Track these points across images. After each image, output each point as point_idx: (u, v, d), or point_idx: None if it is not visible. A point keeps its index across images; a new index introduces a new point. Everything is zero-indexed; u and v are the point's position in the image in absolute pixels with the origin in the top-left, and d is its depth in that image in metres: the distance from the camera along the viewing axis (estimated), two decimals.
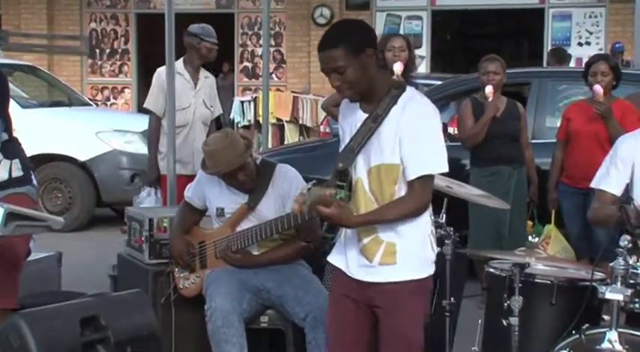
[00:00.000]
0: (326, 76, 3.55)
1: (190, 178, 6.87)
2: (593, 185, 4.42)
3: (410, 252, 3.59)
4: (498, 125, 6.69)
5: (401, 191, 3.54)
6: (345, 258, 3.69)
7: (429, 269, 3.67)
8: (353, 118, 3.63)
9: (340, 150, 3.66)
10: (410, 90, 3.62)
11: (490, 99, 6.67)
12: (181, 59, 7.01)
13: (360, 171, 3.58)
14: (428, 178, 3.53)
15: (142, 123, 8.01)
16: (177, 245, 5.01)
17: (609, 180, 4.33)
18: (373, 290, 3.62)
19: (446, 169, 3.55)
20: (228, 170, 4.71)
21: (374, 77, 3.53)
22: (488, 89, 6.67)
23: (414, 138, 3.49)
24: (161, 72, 6.79)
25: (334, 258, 3.76)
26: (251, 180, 4.78)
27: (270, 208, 4.77)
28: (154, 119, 6.89)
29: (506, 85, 7.05)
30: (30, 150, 7.22)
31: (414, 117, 3.50)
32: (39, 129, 7.22)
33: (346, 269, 3.68)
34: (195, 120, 6.97)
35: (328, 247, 3.90)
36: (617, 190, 4.29)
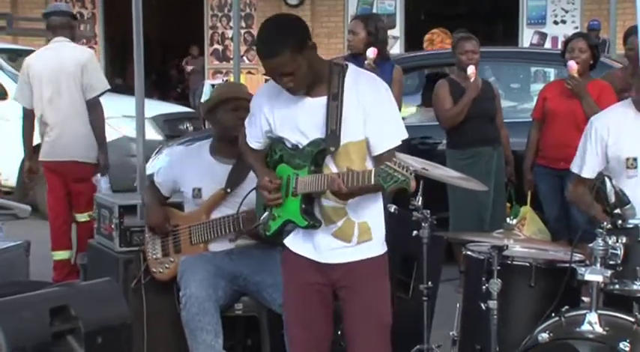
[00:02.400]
0: (274, 80, 3.60)
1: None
2: (573, 169, 4.45)
3: (379, 227, 3.74)
4: (476, 106, 6.70)
5: (369, 166, 3.62)
6: (312, 245, 3.72)
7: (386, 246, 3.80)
8: (295, 104, 3.65)
9: (250, 133, 3.80)
10: (351, 66, 3.72)
11: (472, 80, 6.66)
12: (65, 39, 6.97)
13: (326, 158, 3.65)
14: (395, 149, 3.63)
15: (152, 108, 8.00)
16: (155, 214, 4.94)
17: (587, 165, 4.37)
18: (343, 270, 3.69)
19: (406, 135, 3.66)
20: (227, 97, 4.85)
21: (316, 64, 3.61)
22: (471, 69, 6.67)
23: (378, 113, 3.60)
24: (91, 52, 6.90)
25: (297, 246, 3.77)
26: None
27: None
28: (99, 103, 6.87)
29: (431, 66, 7.10)
30: (36, 138, 7.19)
31: (371, 92, 3.63)
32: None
33: (314, 255, 3.72)
34: None
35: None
36: (593, 174, 4.33)
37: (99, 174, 6.76)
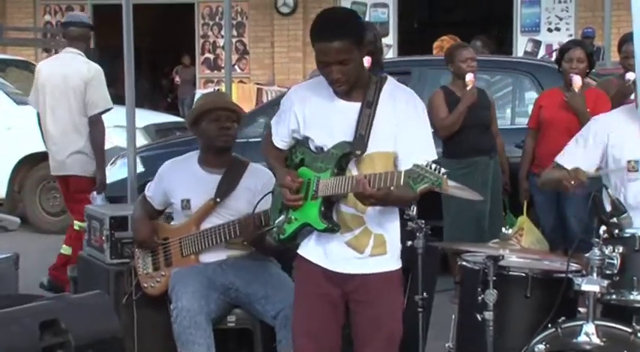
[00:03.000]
0: (322, 69, 3.56)
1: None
2: (556, 159, 4.43)
3: (395, 243, 3.74)
4: (472, 115, 6.70)
5: None
6: (324, 252, 3.72)
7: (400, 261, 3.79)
8: (328, 105, 3.65)
9: (277, 132, 3.78)
10: (388, 77, 3.74)
11: (469, 87, 6.66)
12: (80, 52, 7.00)
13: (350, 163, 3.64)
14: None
15: (143, 117, 7.97)
16: (142, 229, 4.95)
17: (569, 155, 4.35)
18: (356, 283, 3.69)
19: (435, 156, 3.64)
20: (209, 107, 4.83)
21: (362, 67, 3.64)
22: (470, 76, 6.67)
23: (410, 128, 3.61)
24: (98, 68, 6.86)
25: (310, 253, 3.77)
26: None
27: (238, 203, 4.75)
28: (101, 121, 6.86)
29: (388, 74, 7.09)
30: (25, 149, 7.20)
31: (407, 107, 3.64)
32: (35, 127, 7.19)
33: (325, 263, 3.72)
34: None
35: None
36: (570, 164, 4.27)
37: (94, 192, 6.76)
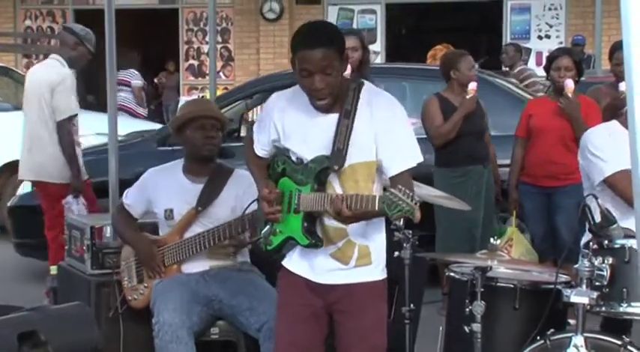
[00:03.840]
0: (304, 78, 3.55)
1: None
2: (607, 173, 4.46)
3: (380, 253, 3.74)
4: (467, 123, 6.70)
5: (377, 188, 3.62)
6: (308, 265, 3.72)
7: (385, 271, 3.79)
8: (307, 117, 3.65)
9: (259, 140, 3.78)
10: (366, 82, 3.73)
11: (471, 96, 6.67)
12: (60, 58, 6.99)
13: (330, 176, 3.63)
14: (409, 171, 3.62)
15: (125, 125, 7.97)
16: (145, 247, 4.89)
17: (606, 166, 4.39)
18: (339, 293, 3.69)
19: (421, 158, 3.65)
20: (193, 116, 4.83)
21: (342, 80, 3.63)
22: (473, 85, 6.67)
23: (391, 134, 3.60)
24: (68, 74, 6.84)
25: (294, 265, 3.77)
26: (216, 143, 4.89)
27: (221, 211, 4.76)
28: (68, 123, 6.84)
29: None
30: (5, 156, 7.19)
31: (386, 112, 3.62)
32: (15, 134, 7.21)
33: (310, 274, 3.72)
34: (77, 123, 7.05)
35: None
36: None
37: (70, 196, 6.74)
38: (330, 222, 3.63)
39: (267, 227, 3.74)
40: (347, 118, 3.59)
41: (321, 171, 3.59)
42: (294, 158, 3.70)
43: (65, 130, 6.81)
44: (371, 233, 3.69)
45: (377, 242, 3.72)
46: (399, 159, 3.58)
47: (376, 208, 3.33)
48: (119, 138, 6.93)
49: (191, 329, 4.55)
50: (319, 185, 3.60)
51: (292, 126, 3.68)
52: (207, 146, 4.84)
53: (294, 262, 3.76)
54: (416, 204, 3.24)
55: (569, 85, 6.45)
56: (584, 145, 4.68)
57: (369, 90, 3.67)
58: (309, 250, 3.68)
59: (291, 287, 3.78)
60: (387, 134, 3.59)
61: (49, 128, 6.81)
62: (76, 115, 6.95)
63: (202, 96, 14.33)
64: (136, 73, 15.00)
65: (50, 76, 6.88)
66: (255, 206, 3.94)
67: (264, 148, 3.81)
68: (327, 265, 3.68)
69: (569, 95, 6.44)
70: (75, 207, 6.66)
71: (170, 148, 7.58)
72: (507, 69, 12.02)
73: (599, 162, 4.52)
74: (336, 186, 3.61)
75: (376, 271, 3.72)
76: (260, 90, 8.67)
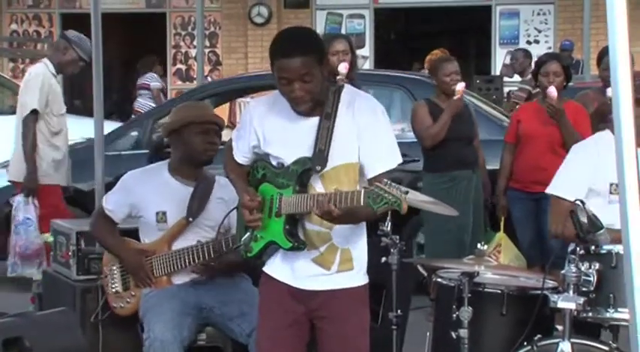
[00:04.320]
0: (283, 86, 3.55)
1: (58, 189, 6.87)
2: (550, 191, 4.47)
3: (362, 257, 3.73)
4: (455, 128, 6.71)
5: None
6: (290, 270, 3.71)
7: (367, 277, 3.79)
8: (287, 121, 3.66)
9: (238, 147, 3.78)
10: (346, 85, 3.75)
11: (457, 97, 6.68)
12: (47, 61, 7.01)
13: (312, 178, 3.63)
14: (388, 173, 3.62)
15: (112, 129, 8.02)
16: (132, 257, 4.83)
17: (566, 186, 4.38)
18: (321, 299, 3.68)
19: (401, 160, 3.67)
20: (190, 120, 4.79)
21: (323, 85, 3.62)
22: (460, 86, 6.67)
23: (372, 135, 3.61)
24: (44, 72, 6.84)
25: (276, 271, 3.76)
26: (215, 147, 4.85)
27: (212, 220, 4.72)
28: (33, 120, 6.81)
29: (266, 87, 7.30)
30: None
31: (367, 113, 3.63)
32: None
33: (291, 280, 3.71)
34: (66, 126, 7.05)
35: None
36: (573, 196, 4.33)
37: (19, 195, 6.73)
38: (312, 227, 3.64)
39: (248, 234, 3.74)
40: (328, 120, 3.60)
41: (303, 172, 3.59)
42: (274, 163, 3.70)
43: (27, 127, 6.78)
44: (353, 237, 3.69)
45: (359, 246, 3.72)
46: (380, 160, 3.60)
47: (362, 203, 3.32)
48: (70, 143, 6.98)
49: (182, 343, 4.52)
50: (301, 187, 3.60)
51: (273, 131, 3.68)
52: (208, 151, 4.82)
53: (276, 268, 3.75)
54: (404, 194, 3.22)
55: (553, 94, 6.46)
56: None
57: (349, 92, 3.68)
58: (291, 255, 3.67)
59: (272, 293, 3.77)
60: (368, 135, 3.60)
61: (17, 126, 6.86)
62: (62, 116, 6.94)
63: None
64: (155, 75, 15.05)
65: (26, 75, 7.01)
66: (234, 215, 3.96)
67: (245, 155, 3.81)
68: (308, 270, 3.67)
69: (554, 103, 6.45)
70: (22, 207, 6.64)
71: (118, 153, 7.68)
72: (517, 75, 12.02)
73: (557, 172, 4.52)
74: (318, 189, 3.61)
75: (358, 276, 3.71)
76: (213, 93, 8.68)
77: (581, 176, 4.33)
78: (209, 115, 4.96)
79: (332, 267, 3.67)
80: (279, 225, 3.63)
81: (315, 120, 3.62)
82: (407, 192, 3.26)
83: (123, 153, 7.83)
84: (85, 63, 6.92)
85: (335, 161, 3.60)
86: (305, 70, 3.49)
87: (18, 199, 6.67)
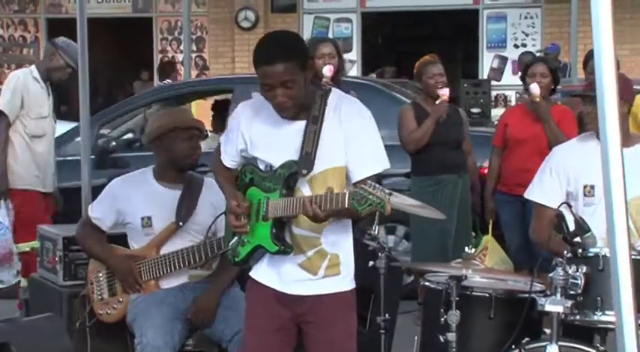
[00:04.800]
0: (266, 92, 3.56)
1: (47, 196, 6.84)
2: (529, 196, 4.50)
3: (349, 262, 3.73)
4: (441, 131, 6.74)
5: None
6: (277, 274, 3.71)
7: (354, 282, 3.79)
8: (274, 125, 3.66)
9: (226, 151, 3.79)
10: (333, 89, 3.75)
11: (439, 101, 6.70)
12: (33, 67, 7.02)
13: (300, 182, 3.63)
14: (375, 177, 3.63)
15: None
16: (121, 263, 4.83)
17: (546, 192, 4.43)
18: (308, 304, 3.68)
19: (388, 164, 3.67)
20: (173, 126, 4.80)
21: (308, 89, 3.63)
22: (444, 91, 6.70)
23: (359, 139, 3.62)
24: (21, 75, 6.84)
25: (262, 275, 3.76)
26: (198, 152, 4.87)
27: (201, 224, 4.73)
28: (4, 123, 6.78)
29: (211, 92, 7.28)
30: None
31: (354, 117, 3.64)
32: None
33: (278, 285, 3.71)
34: (51, 131, 7.01)
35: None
36: (555, 203, 4.38)
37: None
38: (300, 231, 3.64)
39: (235, 239, 3.74)
40: (315, 124, 3.60)
41: (290, 176, 3.60)
42: (262, 166, 3.71)
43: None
44: (341, 242, 3.70)
45: (346, 252, 3.72)
46: (366, 164, 3.60)
47: (346, 205, 3.32)
48: None
49: (173, 348, 4.53)
50: (287, 190, 3.60)
51: (260, 134, 3.69)
52: (193, 156, 4.84)
53: (262, 272, 3.75)
54: (388, 195, 3.23)
55: (535, 90, 6.50)
56: None
57: (336, 96, 3.69)
58: (277, 259, 3.67)
59: (258, 298, 3.77)
60: (355, 139, 3.60)
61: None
62: (43, 119, 6.91)
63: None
64: (169, 81, 15.05)
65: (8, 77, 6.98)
66: (222, 221, 3.96)
67: (233, 159, 3.81)
68: (295, 275, 3.67)
69: (537, 100, 6.49)
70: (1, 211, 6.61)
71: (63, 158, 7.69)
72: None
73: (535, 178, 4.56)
74: (306, 192, 3.60)
75: (345, 281, 3.71)
76: (156, 99, 8.68)
77: (557, 181, 4.38)
78: (192, 121, 4.98)
79: (319, 272, 3.67)
80: (266, 229, 3.63)
81: (301, 124, 3.63)
82: (391, 194, 3.27)
83: (68, 158, 7.82)
84: (72, 69, 6.90)
85: (323, 165, 3.60)
86: (287, 77, 3.49)
87: None
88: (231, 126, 3.82)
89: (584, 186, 4.27)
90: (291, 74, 3.49)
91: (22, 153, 6.81)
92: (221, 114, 8.64)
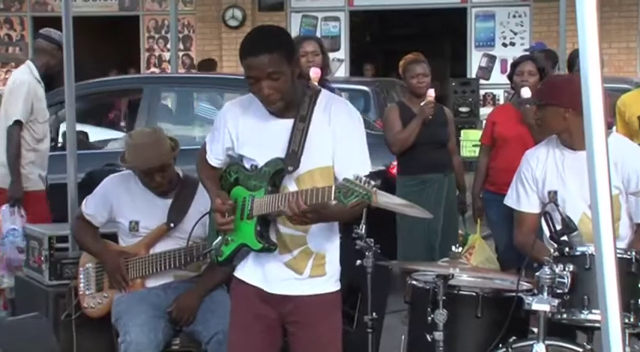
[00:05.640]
0: (252, 86, 3.56)
1: (42, 194, 6.87)
2: (507, 203, 4.55)
3: (334, 263, 3.74)
4: (426, 131, 6.75)
5: None
6: (262, 273, 3.71)
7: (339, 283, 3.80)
8: (262, 122, 3.67)
9: (212, 149, 3.79)
10: (323, 90, 3.75)
11: (424, 103, 6.70)
12: (31, 65, 6.95)
13: (286, 180, 3.63)
14: None
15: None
16: (112, 259, 4.86)
17: (521, 198, 4.50)
18: (293, 305, 3.69)
19: (370, 168, 3.67)
20: (147, 167, 4.74)
21: (296, 84, 3.63)
22: (430, 92, 6.71)
23: (348, 140, 3.62)
24: (27, 79, 6.79)
25: (247, 275, 3.77)
26: (169, 183, 4.79)
27: (192, 225, 4.72)
28: (17, 131, 6.76)
29: (119, 92, 7.30)
30: None
31: (343, 118, 3.65)
32: None
33: (263, 284, 3.71)
34: (48, 130, 7.04)
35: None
36: (532, 208, 4.43)
37: (5, 205, 6.69)
38: (286, 230, 3.65)
39: (219, 238, 3.75)
40: (302, 122, 3.61)
41: (276, 173, 3.60)
42: (247, 165, 3.71)
43: (11, 137, 6.73)
44: (328, 242, 3.71)
45: (332, 252, 3.73)
46: (352, 165, 3.57)
47: (332, 198, 3.32)
48: None
49: (158, 347, 4.55)
50: (273, 188, 3.60)
51: (247, 132, 3.69)
52: (158, 189, 4.84)
53: (247, 271, 3.76)
54: (372, 187, 3.23)
55: (525, 94, 6.50)
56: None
57: (326, 97, 3.69)
58: (263, 258, 3.68)
59: (243, 298, 3.78)
60: (343, 141, 3.61)
61: (2, 132, 6.81)
62: (46, 122, 6.93)
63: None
64: None
65: (9, 82, 6.93)
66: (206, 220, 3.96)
67: (218, 158, 3.82)
68: (281, 274, 3.68)
69: (527, 105, 6.50)
70: (9, 218, 6.60)
71: None
72: None
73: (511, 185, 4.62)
74: (292, 190, 3.60)
75: (330, 282, 3.72)
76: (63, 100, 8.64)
77: (529, 187, 4.46)
78: (149, 162, 4.78)
79: (304, 272, 3.68)
80: (251, 227, 3.64)
81: (289, 122, 3.63)
82: (376, 186, 3.27)
83: None
84: (59, 47, 6.94)
85: (310, 164, 3.61)
86: (272, 68, 3.49)
87: (3, 209, 6.63)
88: (217, 125, 3.82)
89: (549, 192, 4.32)
90: (276, 66, 3.49)
91: (28, 156, 6.82)
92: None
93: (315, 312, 3.69)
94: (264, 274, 3.71)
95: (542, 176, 4.39)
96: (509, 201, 4.56)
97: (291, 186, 3.63)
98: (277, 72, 3.50)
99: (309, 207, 3.41)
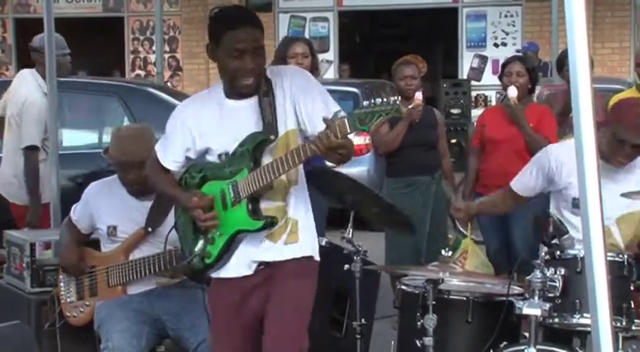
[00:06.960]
0: (236, 58, 3.59)
1: (47, 207, 6.85)
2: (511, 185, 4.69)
3: (308, 231, 3.80)
4: (414, 133, 6.75)
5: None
6: (247, 258, 3.73)
7: (318, 256, 3.84)
8: (223, 109, 3.72)
9: (168, 153, 3.81)
10: (269, 67, 3.84)
11: (412, 105, 6.71)
12: (37, 76, 6.83)
13: (265, 153, 3.68)
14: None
15: None
16: (68, 254, 4.92)
17: (521, 182, 4.61)
18: (267, 272, 3.73)
19: (339, 108, 3.67)
20: (125, 159, 4.74)
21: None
22: (417, 95, 6.71)
23: (306, 92, 3.69)
24: (38, 98, 6.64)
25: (230, 271, 3.78)
26: (145, 182, 4.77)
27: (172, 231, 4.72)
28: (35, 155, 6.67)
29: None
30: None
31: (293, 76, 3.76)
32: None
33: (245, 269, 3.74)
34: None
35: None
36: (524, 193, 4.55)
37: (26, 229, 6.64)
38: (272, 204, 3.68)
39: (201, 241, 3.74)
40: (267, 96, 3.68)
41: (256, 147, 3.64)
42: (214, 158, 3.74)
43: (29, 161, 6.64)
44: (300, 207, 3.75)
45: (305, 219, 3.78)
46: (326, 105, 3.62)
47: (347, 129, 3.33)
48: None
49: None
50: (255, 164, 3.63)
51: (210, 123, 3.73)
52: (131, 187, 4.83)
53: (231, 268, 3.77)
54: (395, 102, 3.32)
55: (512, 93, 6.52)
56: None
57: (271, 70, 3.79)
58: (247, 244, 3.69)
59: (222, 293, 3.81)
60: (303, 95, 3.68)
61: (16, 147, 6.71)
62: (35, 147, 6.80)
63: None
64: None
65: (21, 98, 6.74)
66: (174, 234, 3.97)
67: (177, 160, 3.84)
68: (260, 246, 3.71)
69: (512, 104, 6.51)
70: None
71: None
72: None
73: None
74: (269, 160, 3.63)
75: (304, 248, 3.76)
76: None
77: (536, 178, 4.58)
78: (127, 155, 4.77)
79: (279, 240, 3.71)
80: (242, 212, 3.66)
81: (252, 100, 3.69)
82: (398, 101, 3.37)
83: None
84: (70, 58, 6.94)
85: (282, 129, 3.68)
86: (259, 43, 3.62)
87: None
88: (172, 128, 3.83)
89: (574, 199, 4.32)
90: (262, 41, 3.64)
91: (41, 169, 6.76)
92: None
93: (289, 273, 3.72)
94: (249, 258, 3.73)
95: (564, 177, 4.43)
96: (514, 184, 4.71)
97: (267, 158, 3.65)
98: (261, 47, 3.63)
99: (342, 139, 3.37)
